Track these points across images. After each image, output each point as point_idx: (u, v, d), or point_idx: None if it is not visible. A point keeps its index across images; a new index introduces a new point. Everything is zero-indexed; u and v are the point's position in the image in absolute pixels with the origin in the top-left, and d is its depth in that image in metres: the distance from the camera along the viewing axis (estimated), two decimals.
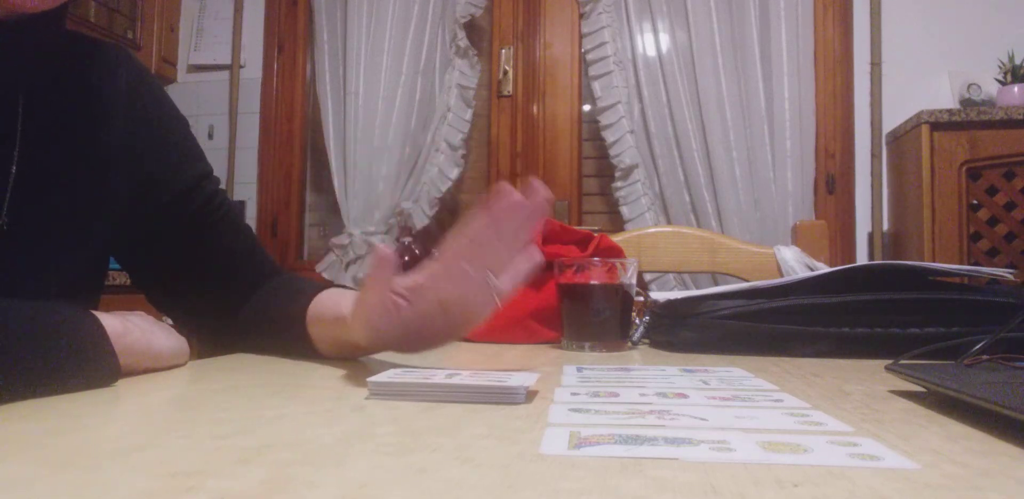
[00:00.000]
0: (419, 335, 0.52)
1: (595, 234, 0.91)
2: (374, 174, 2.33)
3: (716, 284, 1.82)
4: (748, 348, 0.71)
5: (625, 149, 2.22)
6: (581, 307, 0.76)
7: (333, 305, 0.61)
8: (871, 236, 2.16)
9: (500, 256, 0.49)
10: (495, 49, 2.44)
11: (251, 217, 2.54)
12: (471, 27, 2.41)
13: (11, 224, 0.56)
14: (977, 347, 0.48)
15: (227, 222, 0.72)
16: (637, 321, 0.82)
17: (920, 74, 2.15)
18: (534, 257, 0.51)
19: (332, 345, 0.62)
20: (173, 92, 2.58)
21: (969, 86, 2.07)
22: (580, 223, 2.35)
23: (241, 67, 2.58)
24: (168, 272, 0.71)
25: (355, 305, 0.53)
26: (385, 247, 0.48)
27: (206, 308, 0.72)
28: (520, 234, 0.49)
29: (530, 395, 0.43)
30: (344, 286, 0.69)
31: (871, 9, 2.19)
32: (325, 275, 2.35)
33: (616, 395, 0.43)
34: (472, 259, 0.48)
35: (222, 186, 0.75)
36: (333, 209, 2.45)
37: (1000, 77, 2.02)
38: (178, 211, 0.69)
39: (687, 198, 2.20)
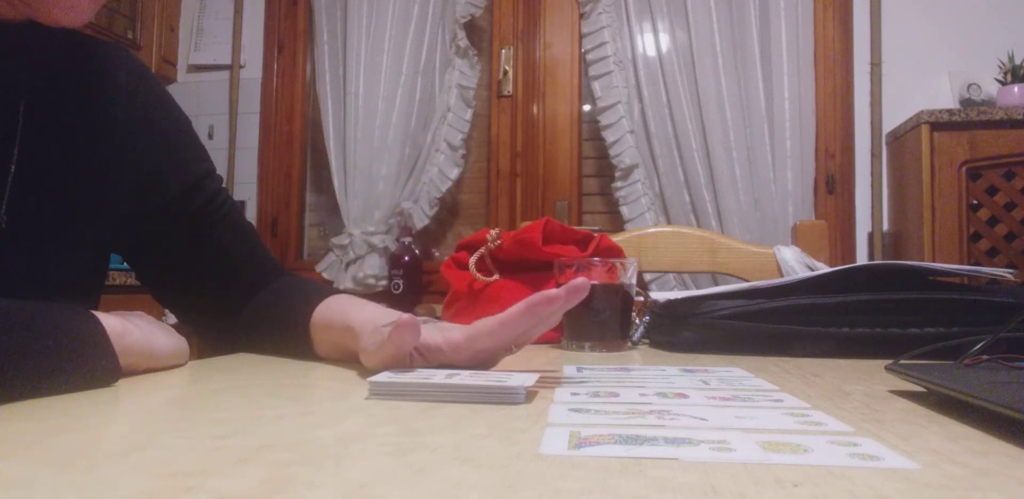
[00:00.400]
0: None
1: (595, 234, 0.91)
2: (374, 174, 2.33)
3: (716, 284, 1.82)
4: (748, 348, 0.71)
5: (625, 149, 2.22)
6: (581, 307, 0.76)
7: (341, 312, 0.62)
8: (871, 236, 2.16)
9: (523, 334, 0.51)
10: (495, 49, 2.44)
11: (251, 217, 2.54)
12: (471, 27, 2.41)
13: (10, 222, 0.56)
14: (977, 347, 0.48)
15: (229, 221, 0.73)
16: (637, 321, 0.82)
17: (920, 74, 2.15)
18: (552, 325, 0.53)
19: (334, 350, 0.62)
20: (173, 92, 2.56)
21: (969, 86, 2.07)
22: (580, 223, 2.35)
23: (241, 67, 2.58)
24: (171, 270, 0.71)
25: (374, 347, 0.52)
26: (410, 318, 0.47)
27: (208, 307, 0.72)
28: (551, 321, 0.51)
29: (530, 395, 0.43)
30: (345, 289, 0.70)
31: (871, 9, 2.19)
32: (325, 275, 2.35)
33: (616, 395, 0.43)
34: (498, 340, 0.50)
35: (224, 185, 0.75)
36: (333, 209, 2.45)
37: (1000, 77, 2.02)
38: (180, 210, 0.69)
39: (687, 198, 2.20)
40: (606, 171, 2.32)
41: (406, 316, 0.48)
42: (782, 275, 1.17)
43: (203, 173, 0.72)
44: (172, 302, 0.74)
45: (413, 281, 2.23)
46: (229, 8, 2.59)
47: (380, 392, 0.42)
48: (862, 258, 2.17)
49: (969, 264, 1.77)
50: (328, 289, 0.69)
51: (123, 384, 0.46)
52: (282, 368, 0.58)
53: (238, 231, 0.74)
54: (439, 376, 0.44)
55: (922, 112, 1.84)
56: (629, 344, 0.78)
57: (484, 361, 0.52)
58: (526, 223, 0.94)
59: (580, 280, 0.50)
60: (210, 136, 2.56)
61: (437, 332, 0.51)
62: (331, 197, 2.43)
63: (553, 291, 0.49)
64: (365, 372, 0.53)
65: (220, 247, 0.71)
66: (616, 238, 1.22)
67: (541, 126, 2.40)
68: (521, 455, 0.28)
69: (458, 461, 0.27)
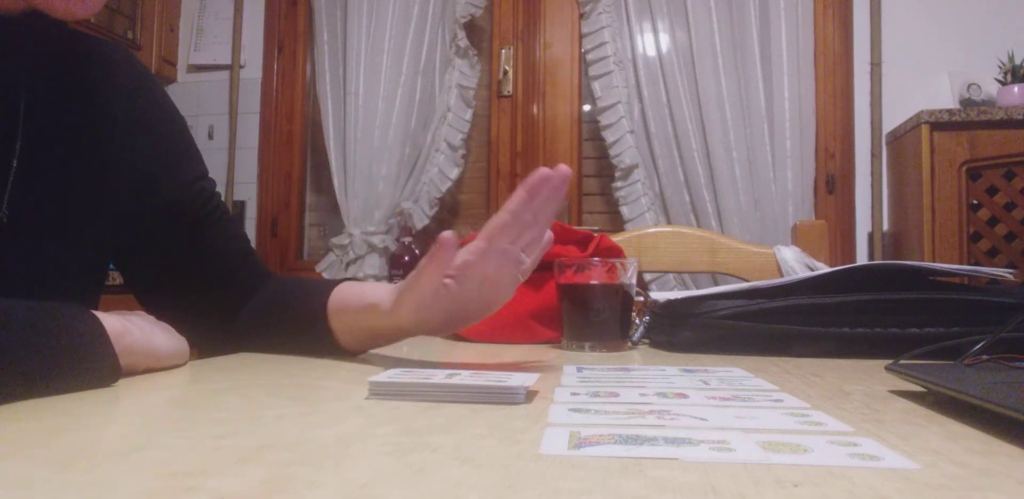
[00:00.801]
0: (455, 316, 0.56)
1: (595, 234, 0.91)
2: (374, 174, 2.33)
3: (716, 284, 1.82)
4: (748, 348, 0.71)
5: (625, 149, 2.22)
6: (581, 307, 0.76)
7: (359, 294, 0.62)
8: (871, 236, 2.16)
9: (532, 233, 0.53)
10: (495, 49, 2.44)
11: (251, 217, 2.54)
12: (471, 27, 2.41)
13: (11, 217, 0.56)
14: (977, 347, 0.48)
15: (223, 223, 0.72)
16: (637, 321, 0.82)
17: (920, 74, 2.15)
18: (549, 238, 0.56)
19: (358, 334, 0.62)
20: (173, 92, 2.58)
21: (969, 86, 2.07)
22: (580, 223, 2.35)
23: (241, 67, 2.58)
24: (166, 273, 0.71)
25: (404, 289, 0.55)
26: (450, 234, 0.49)
27: (206, 308, 0.71)
28: (547, 212, 0.53)
29: (530, 395, 0.43)
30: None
31: (871, 9, 2.19)
32: (325, 275, 2.35)
33: (616, 395, 0.43)
34: (512, 235, 0.52)
35: (218, 188, 0.74)
36: (333, 209, 2.45)
37: (1000, 77, 2.02)
38: (178, 210, 0.69)
39: (687, 198, 2.20)
40: (606, 171, 2.32)
41: (447, 233, 0.50)
42: (782, 275, 1.17)
43: (200, 175, 0.72)
44: (166, 306, 0.72)
45: None
46: (229, 8, 2.59)
47: (380, 392, 0.42)
48: (862, 258, 2.17)
49: (969, 264, 1.77)
50: (334, 281, 0.69)
51: (123, 384, 0.46)
52: (282, 368, 0.58)
53: (233, 234, 0.74)
54: (439, 376, 0.44)
55: (922, 112, 1.84)
56: (629, 344, 0.78)
57: (507, 271, 0.53)
58: None
59: (562, 166, 0.51)
60: (210, 136, 2.56)
61: (460, 251, 0.53)
62: (331, 197, 2.44)
63: (543, 169, 0.50)
64: (365, 372, 0.53)
65: (215, 249, 0.71)
66: (616, 238, 1.22)
67: (541, 126, 2.40)
68: (521, 455, 0.28)
69: (458, 461, 0.27)
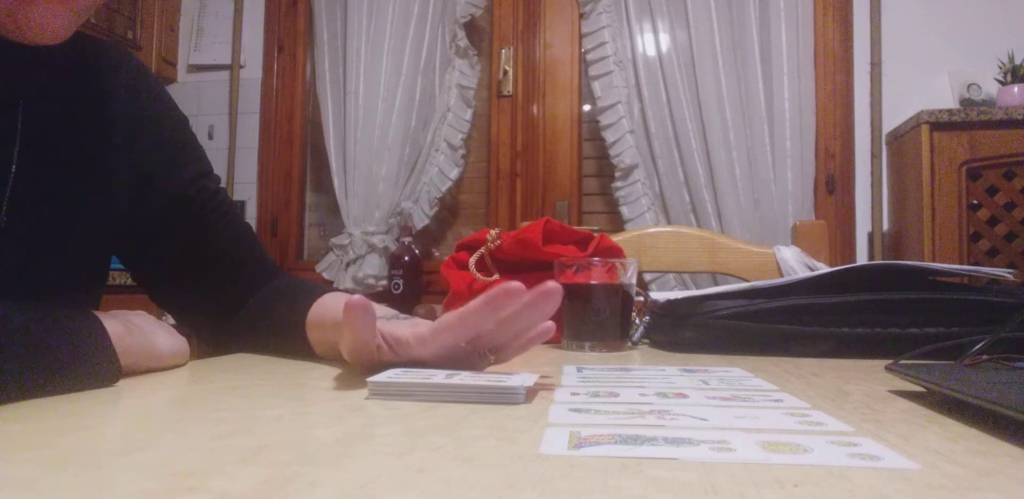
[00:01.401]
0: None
1: (595, 234, 0.91)
2: (374, 174, 2.33)
3: (716, 284, 1.82)
4: (748, 348, 0.71)
5: (625, 149, 2.22)
6: (581, 307, 0.76)
7: (333, 309, 0.61)
8: (871, 236, 2.16)
9: (495, 336, 0.50)
10: (495, 49, 2.44)
11: (251, 217, 2.54)
12: (471, 27, 2.41)
13: (11, 222, 0.56)
14: (977, 347, 0.49)
15: (228, 220, 0.73)
16: (637, 321, 0.82)
17: (920, 74, 2.15)
18: (545, 333, 0.51)
19: (328, 350, 0.62)
20: (173, 92, 2.57)
21: (969, 86, 2.07)
22: (580, 223, 2.35)
23: (241, 67, 2.58)
24: (170, 271, 0.71)
25: (342, 336, 0.51)
26: (360, 298, 0.45)
27: (208, 307, 0.72)
28: (520, 321, 0.49)
29: (530, 395, 0.43)
30: (345, 289, 0.70)
31: (871, 9, 2.19)
32: (325, 275, 2.35)
33: (616, 395, 0.43)
34: (460, 334, 0.48)
35: (222, 185, 0.75)
36: (333, 209, 2.45)
37: (1000, 77, 2.02)
38: (179, 209, 0.69)
39: (687, 198, 2.20)
40: (606, 171, 2.32)
41: (356, 297, 0.45)
42: (782, 275, 1.17)
43: (202, 173, 0.72)
44: (171, 302, 0.73)
45: (413, 281, 2.23)
46: (229, 8, 2.59)
47: (380, 392, 0.42)
48: (862, 258, 2.17)
49: (969, 264, 1.77)
50: (324, 288, 0.69)
51: (123, 384, 0.46)
52: (282, 368, 0.58)
53: (237, 231, 0.74)
54: (439, 376, 0.44)
55: (922, 112, 1.84)
56: (629, 344, 0.78)
57: (455, 361, 0.50)
58: (526, 223, 0.94)
59: (550, 284, 0.46)
60: (210, 136, 2.56)
61: (409, 326, 0.50)
62: (331, 197, 2.43)
63: (514, 284, 0.46)
64: (365, 372, 0.53)
65: (220, 246, 0.71)
66: (616, 238, 1.22)
67: (541, 126, 2.39)
68: (521, 455, 0.28)
69: (458, 461, 0.27)
